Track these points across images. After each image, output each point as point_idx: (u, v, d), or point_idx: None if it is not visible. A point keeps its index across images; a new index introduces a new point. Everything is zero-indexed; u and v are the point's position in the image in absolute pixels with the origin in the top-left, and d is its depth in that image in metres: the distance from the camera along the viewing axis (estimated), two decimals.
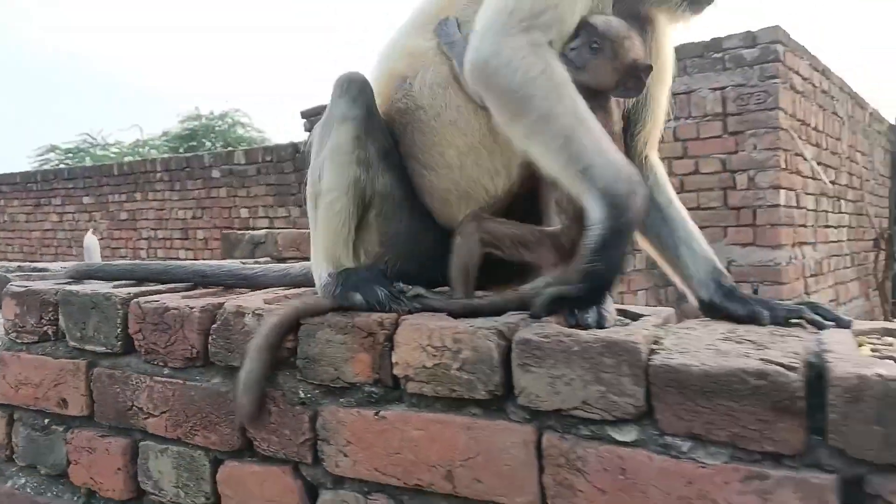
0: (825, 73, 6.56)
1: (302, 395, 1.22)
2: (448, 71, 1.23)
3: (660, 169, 1.37)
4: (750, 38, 5.48)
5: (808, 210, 6.01)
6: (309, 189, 1.34)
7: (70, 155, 19.54)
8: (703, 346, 1.02)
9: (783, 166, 5.40)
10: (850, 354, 0.94)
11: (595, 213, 1.00)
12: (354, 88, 1.29)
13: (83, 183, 11.58)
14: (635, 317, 1.24)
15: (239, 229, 9.52)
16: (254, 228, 9.21)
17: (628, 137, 1.32)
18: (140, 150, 20.11)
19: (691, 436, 0.95)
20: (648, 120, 1.31)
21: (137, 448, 1.41)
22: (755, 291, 5.42)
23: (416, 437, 1.13)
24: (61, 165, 18.33)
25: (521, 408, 1.06)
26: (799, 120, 5.82)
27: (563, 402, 1.02)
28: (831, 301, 6.65)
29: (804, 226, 5.89)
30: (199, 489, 1.33)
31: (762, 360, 0.94)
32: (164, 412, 1.36)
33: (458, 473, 1.10)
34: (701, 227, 4.86)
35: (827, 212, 6.57)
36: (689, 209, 5.08)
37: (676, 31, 1.30)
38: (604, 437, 1.01)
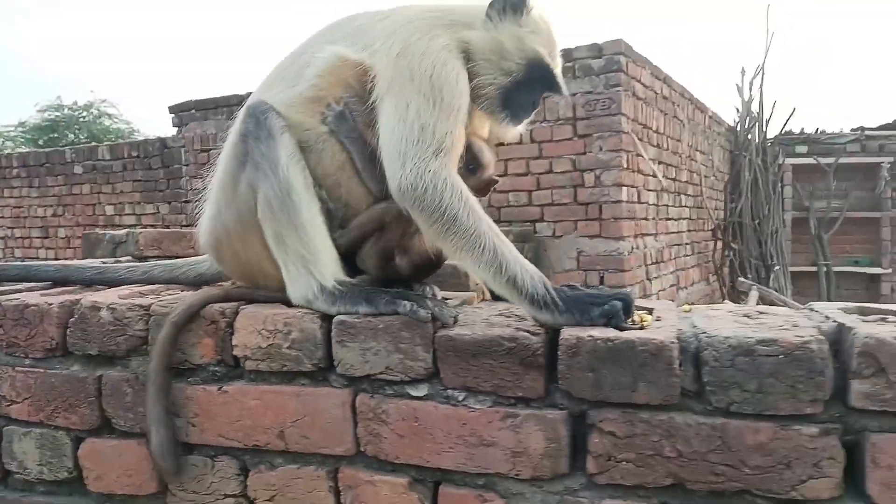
0: (666, 80, 7.25)
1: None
2: (346, 158, 1.38)
3: None
4: (596, 49, 6.01)
5: (650, 204, 6.65)
6: (266, 202, 1.33)
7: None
8: (479, 320, 1.31)
9: (625, 166, 5.96)
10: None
11: (524, 309, 1.25)
12: (271, 110, 1.37)
13: None
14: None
15: (104, 227, 9.19)
16: (120, 226, 8.94)
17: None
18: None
19: (465, 388, 1.24)
20: None
21: (1, 433, 1.54)
22: (601, 278, 5.97)
23: (254, 406, 1.35)
24: None
25: (340, 376, 1.31)
26: (641, 124, 6.43)
27: (372, 369, 1.28)
28: (672, 286, 7.39)
29: (645, 219, 6.52)
30: (61, 465, 1.48)
31: (517, 328, 1.23)
32: (27, 398, 1.50)
33: (288, 433, 1.33)
34: (554, 221, 5.30)
35: (667, 206, 7.28)
36: (544, 205, 5.55)
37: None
38: (403, 394, 1.28)
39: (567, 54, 6.09)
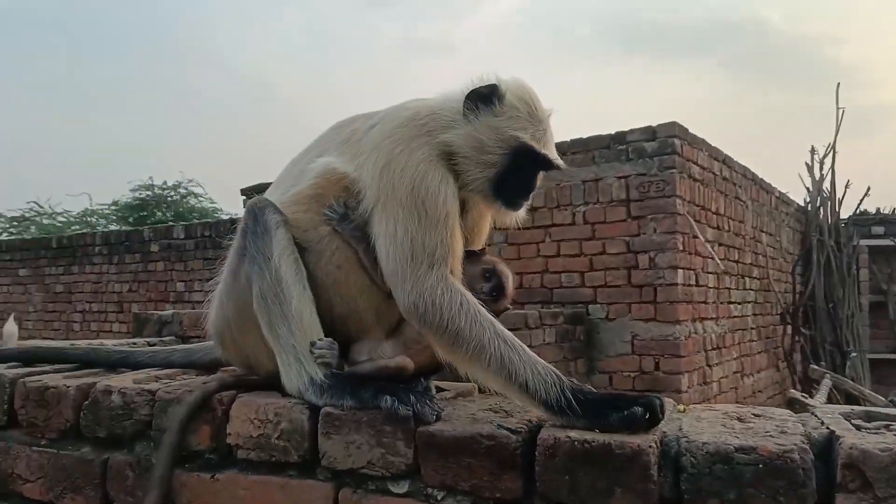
0: (726, 161, 7.17)
1: (154, 461, 1.45)
2: (349, 256, 1.43)
3: None
4: (650, 132, 6.03)
5: (709, 287, 6.46)
6: (260, 292, 1.38)
7: (15, 223, 19.15)
8: (466, 415, 1.30)
9: (681, 248, 5.86)
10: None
11: (540, 413, 1.25)
12: (271, 206, 1.47)
13: (20, 255, 11.50)
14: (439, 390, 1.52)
15: (174, 303, 9.59)
16: (189, 302, 9.31)
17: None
18: (88, 219, 19.86)
19: (445, 486, 1.22)
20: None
21: None
22: (657, 364, 5.78)
23: (243, 496, 1.37)
24: (4, 235, 17.99)
25: (324, 468, 1.31)
26: (699, 205, 6.35)
27: (355, 462, 1.28)
28: (735, 373, 7.07)
29: (705, 302, 6.33)
30: None
31: (499, 426, 1.22)
32: (40, 478, 1.56)
33: None
34: (608, 303, 5.22)
35: (729, 289, 7.06)
36: (597, 286, 5.45)
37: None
38: (385, 490, 1.27)
39: (620, 137, 6.14)
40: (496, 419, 1.26)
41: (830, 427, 1.11)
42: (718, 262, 6.23)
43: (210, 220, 12.39)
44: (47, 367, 1.78)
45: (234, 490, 1.37)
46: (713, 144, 6.81)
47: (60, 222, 19.33)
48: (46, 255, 11.10)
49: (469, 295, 1.32)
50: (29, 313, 11.07)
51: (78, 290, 10.61)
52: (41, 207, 19.95)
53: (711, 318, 6.50)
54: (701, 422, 1.21)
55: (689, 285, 6.01)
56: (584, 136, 6.35)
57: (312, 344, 1.35)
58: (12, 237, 14.88)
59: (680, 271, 5.83)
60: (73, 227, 17.18)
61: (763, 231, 8.41)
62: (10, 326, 3.02)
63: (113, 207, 20.38)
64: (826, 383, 8.00)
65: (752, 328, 7.76)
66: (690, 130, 6.27)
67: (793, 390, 6.61)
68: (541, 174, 1.50)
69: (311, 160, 1.49)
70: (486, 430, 1.21)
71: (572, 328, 5.90)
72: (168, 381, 1.61)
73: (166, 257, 9.61)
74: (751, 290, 7.81)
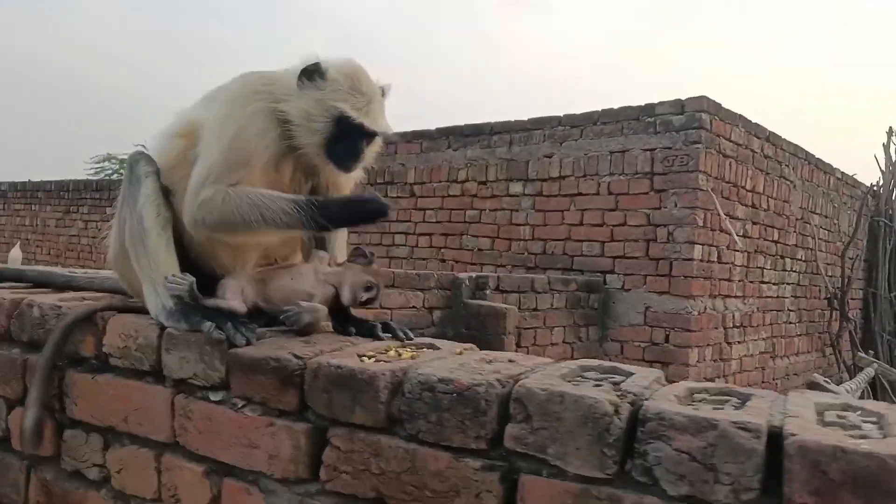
0: (770, 139, 6.99)
1: (59, 363, 1.79)
2: None
3: None
4: (678, 106, 5.98)
5: (735, 265, 6.41)
6: (129, 232, 1.69)
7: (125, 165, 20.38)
8: (274, 344, 1.56)
9: (701, 224, 5.84)
10: (340, 353, 1.48)
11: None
12: (145, 157, 1.77)
13: (108, 194, 12.49)
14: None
15: None
16: None
17: None
18: None
19: (245, 397, 1.49)
20: None
21: None
22: (667, 336, 5.84)
23: (112, 395, 1.69)
24: (114, 175, 19.23)
25: (166, 377, 1.61)
26: (729, 182, 6.27)
27: (185, 373, 1.57)
28: (763, 353, 6.99)
29: (728, 280, 6.29)
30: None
31: (287, 352, 1.48)
32: None
33: (130, 418, 1.65)
34: (625, 274, 5.42)
35: (763, 268, 6.95)
36: (615, 257, 5.65)
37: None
38: (205, 398, 1.55)
39: (649, 109, 6.12)
40: (289, 345, 1.52)
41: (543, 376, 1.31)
42: (737, 239, 6.16)
43: None
44: (5, 285, 2.15)
45: (107, 389, 1.70)
46: (753, 121, 6.66)
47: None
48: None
49: (237, 189, 1.57)
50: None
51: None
52: (145, 149, 21.19)
53: (737, 297, 6.46)
54: (443, 361, 1.42)
55: (709, 261, 5.99)
56: (615, 107, 6.36)
57: (165, 278, 1.64)
58: (98, 179, 16.01)
59: (698, 247, 5.83)
60: None
61: (815, 213, 8.14)
62: (15, 252, 3.44)
63: None
64: (868, 372, 7.77)
65: (790, 310, 7.61)
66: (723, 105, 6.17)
67: (816, 374, 6.50)
68: (374, 141, 1.71)
69: (183, 113, 1.75)
70: (275, 354, 1.46)
71: (586, 296, 6.03)
72: (81, 301, 1.94)
73: None
74: (793, 271, 7.64)
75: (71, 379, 1.76)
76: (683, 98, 5.97)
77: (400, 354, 1.50)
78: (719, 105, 6.05)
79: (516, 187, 6.95)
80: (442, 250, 7.46)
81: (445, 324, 4.97)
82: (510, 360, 1.45)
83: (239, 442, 1.49)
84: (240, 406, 1.50)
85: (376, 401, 1.32)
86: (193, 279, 1.66)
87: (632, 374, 1.33)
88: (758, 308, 6.83)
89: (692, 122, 5.85)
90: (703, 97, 5.90)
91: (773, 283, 7.16)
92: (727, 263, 6.24)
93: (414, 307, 4.77)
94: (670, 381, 1.32)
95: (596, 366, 1.40)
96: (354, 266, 1.69)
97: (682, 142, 5.86)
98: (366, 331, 1.69)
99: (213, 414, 1.53)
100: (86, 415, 1.74)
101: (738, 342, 6.47)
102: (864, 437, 1.02)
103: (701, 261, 5.82)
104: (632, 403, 1.16)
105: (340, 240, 1.86)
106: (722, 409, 1.16)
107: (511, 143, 7.12)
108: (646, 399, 1.17)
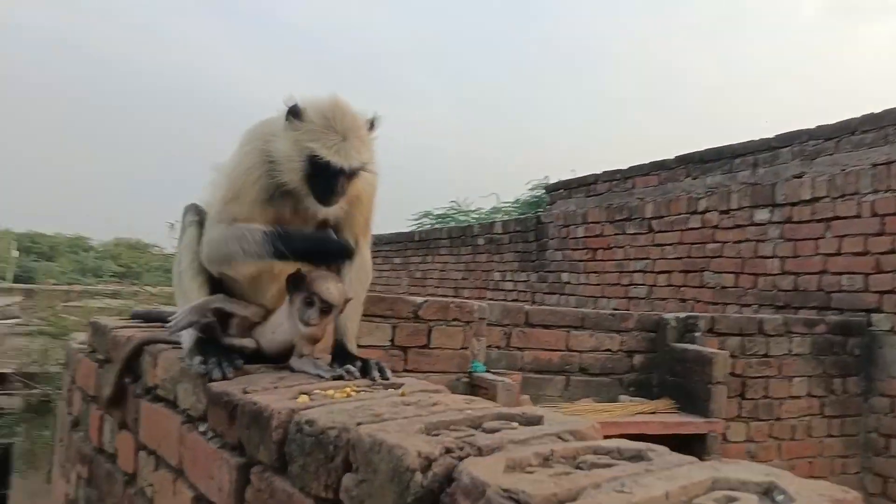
0: None
1: (138, 391, 2.07)
2: None
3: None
4: None
5: None
6: (174, 273, 1.98)
7: (440, 220, 22.14)
8: (240, 380, 1.62)
9: None
10: (278, 390, 1.48)
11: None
12: (194, 208, 2.06)
13: (395, 247, 13.95)
14: None
15: (493, 290, 10.63)
16: (500, 290, 10.25)
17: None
18: (495, 215, 22.17)
19: (213, 429, 1.58)
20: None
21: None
22: None
23: (156, 421, 1.90)
24: (427, 227, 21.00)
25: (178, 407, 1.77)
26: None
27: (187, 405, 1.72)
28: None
29: None
30: None
31: (240, 385, 1.53)
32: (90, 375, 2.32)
33: (162, 444, 1.84)
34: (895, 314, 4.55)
35: None
36: (883, 292, 4.84)
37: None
38: (196, 428, 1.67)
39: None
40: (254, 384, 1.56)
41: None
42: None
43: (520, 216, 13.21)
44: (145, 324, 2.56)
45: (154, 416, 1.92)
46: None
47: (473, 218, 21.81)
48: (410, 247, 13.24)
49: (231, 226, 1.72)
50: (397, 293, 13.36)
51: (430, 276, 12.44)
52: (458, 206, 22.94)
53: None
54: (366, 403, 1.34)
55: None
56: (877, 111, 5.33)
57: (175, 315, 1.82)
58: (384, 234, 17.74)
59: None
60: (478, 222, 19.46)
61: None
62: None
63: (514, 204, 22.43)
64: None
65: None
66: None
67: None
68: (356, 175, 1.70)
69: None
70: (229, 389, 1.53)
71: (842, 340, 5.06)
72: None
73: (489, 249, 10.71)
74: None
75: (140, 405, 2.03)
76: None
77: (347, 394, 1.46)
78: None
79: (762, 214, 6.15)
80: (681, 289, 6.88)
81: (649, 370, 4.56)
82: (464, 406, 1.32)
83: (206, 472, 1.57)
84: (209, 437, 1.59)
85: (270, 440, 1.31)
86: (212, 319, 1.80)
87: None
88: None
89: None
90: None
91: None
92: None
93: (608, 350, 4.47)
94: None
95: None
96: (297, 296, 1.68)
97: None
98: (352, 367, 1.67)
99: (197, 444, 1.64)
100: (146, 438, 1.98)
101: None
102: None
103: None
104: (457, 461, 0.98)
105: (355, 274, 1.86)
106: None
107: (755, 166, 6.35)
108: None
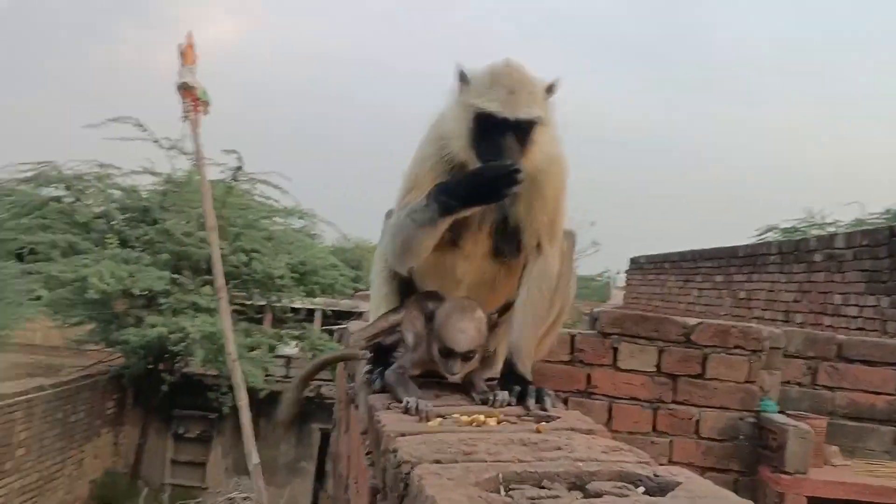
0: None
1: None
2: None
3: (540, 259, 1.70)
4: None
5: None
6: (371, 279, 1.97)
7: (786, 233, 19.92)
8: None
9: None
10: None
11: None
12: (390, 214, 2.03)
13: (716, 263, 12.87)
14: None
15: (831, 315, 9.06)
16: (843, 316, 8.66)
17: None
18: (857, 227, 19.26)
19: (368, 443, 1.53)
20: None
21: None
22: None
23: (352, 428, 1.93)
24: (771, 238, 19.08)
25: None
26: None
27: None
28: None
29: None
30: None
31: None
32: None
33: (351, 455, 1.86)
34: None
35: None
36: None
37: None
38: None
39: None
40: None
41: None
42: None
43: (869, 227, 11.02)
44: None
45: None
46: None
47: (829, 231, 19.07)
48: (735, 264, 12.10)
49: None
50: (718, 315, 12.26)
51: (755, 297, 11.18)
52: (812, 217, 20.38)
53: None
54: (488, 437, 1.17)
55: None
56: None
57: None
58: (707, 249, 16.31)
59: None
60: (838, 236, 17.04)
61: None
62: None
63: (886, 216, 19.15)
64: None
65: None
66: None
67: None
68: (532, 130, 1.55)
69: None
70: (377, 405, 1.47)
71: None
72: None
73: (827, 267, 9.22)
74: None
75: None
76: None
77: (473, 422, 1.30)
78: None
79: None
80: None
81: None
82: (593, 456, 1.09)
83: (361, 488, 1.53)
84: (366, 452, 1.55)
85: (380, 464, 1.21)
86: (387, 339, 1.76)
87: None
88: None
89: None
90: None
91: None
92: None
93: None
94: None
95: None
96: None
97: None
98: (505, 394, 1.49)
99: (360, 458, 1.62)
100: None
101: None
102: None
103: None
104: None
105: (534, 282, 1.66)
106: None
107: None
108: None
